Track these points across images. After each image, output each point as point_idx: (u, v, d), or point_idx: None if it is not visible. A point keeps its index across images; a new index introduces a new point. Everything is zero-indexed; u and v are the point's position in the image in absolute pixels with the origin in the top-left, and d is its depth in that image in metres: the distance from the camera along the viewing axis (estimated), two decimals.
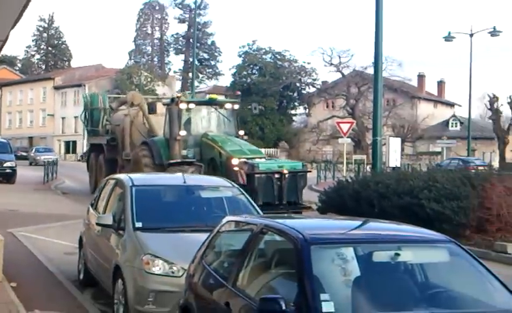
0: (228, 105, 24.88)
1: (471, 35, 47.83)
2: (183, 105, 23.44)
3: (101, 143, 30.34)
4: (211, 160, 22.27)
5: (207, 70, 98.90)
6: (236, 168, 20.33)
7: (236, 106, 25.22)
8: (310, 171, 22.68)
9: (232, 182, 11.93)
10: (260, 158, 21.70)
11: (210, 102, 25.11)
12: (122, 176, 11.80)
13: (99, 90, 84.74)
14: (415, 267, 6.22)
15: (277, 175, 19.95)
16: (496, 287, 5.97)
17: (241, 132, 24.65)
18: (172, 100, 24.16)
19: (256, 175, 19.79)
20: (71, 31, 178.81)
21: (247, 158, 20.77)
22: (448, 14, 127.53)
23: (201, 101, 26.03)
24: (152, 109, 25.93)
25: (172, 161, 22.22)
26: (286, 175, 20.02)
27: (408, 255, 6.22)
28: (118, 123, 29.05)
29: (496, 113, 49.07)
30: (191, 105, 23.89)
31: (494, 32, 46.41)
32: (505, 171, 28.79)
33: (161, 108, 26.74)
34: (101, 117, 31.18)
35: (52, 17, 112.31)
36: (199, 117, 24.39)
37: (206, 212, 10.36)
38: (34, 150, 69.39)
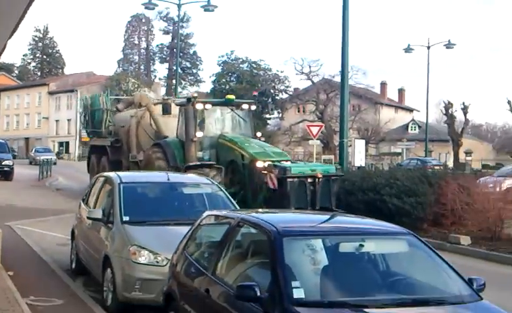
0: (244, 106, 21.59)
1: (429, 47, 48.19)
2: (199, 106, 20.25)
3: (104, 145, 26.90)
4: (230, 163, 19.28)
5: (189, 77, 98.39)
6: (264, 171, 17.49)
7: (253, 107, 21.90)
8: (343, 175, 19.30)
9: (212, 180, 11.90)
10: (286, 160, 18.61)
11: (227, 103, 21.66)
12: (111, 174, 11.72)
13: (80, 98, 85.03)
14: (378, 257, 6.25)
15: (309, 179, 17.04)
16: (450, 275, 6.02)
17: (259, 134, 21.67)
18: (188, 100, 20.71)
19: (289, 179, 16.82)
20: (65, 41, 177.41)
21: (272, 161, 17.82)
22: (408, 27, 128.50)
23: (218, 101, 22.52)
24: (166, 110, 22.09)
25: (191, 164, 19.13)
26: (320, 179, 17.12)
27: (371, 246, 6.26)
28: (122, 124, 25.85)
29: (450, 118, 49.55)
30: (208, 106, 20.66)
31: (449, 45, 46.85)
32: (459, 170, 29.06)
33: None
34: (104, 118, 27.75)
35: (47, 28, 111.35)
36: (213, 118, 21.12)
37: (188, 207, 10.32)
38: (33, 150, 67.47)
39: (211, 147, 20.24)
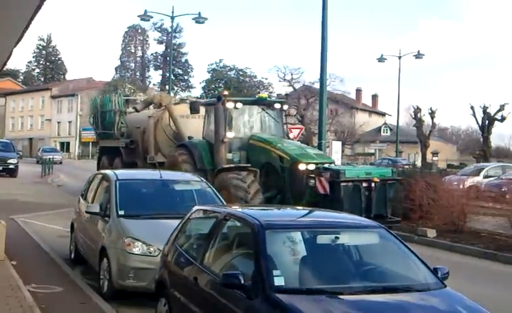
0: (277, 105, 18.29)
1: (400, 57, 48.35)
2: (230, 104, 17.13)
3: (117, 146, 23.99)
4: (266, 165, 16.48)
5: (181, 84, 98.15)
6: (311, 175, 15.02)
7: (285, 106, 18.62)
8: (400, 180, 16.97)
9: (201, 178, 11.83)
10: (329, 162, 15.94)
11: (258, 101, 18.41)
12: (108, 171, 11.67)
13: (89, 100, 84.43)
14: (352, 248, 6.27)
15: (365, 184, 14.48)
16: (417, 265, 6.05)
17: (292, 135, 18.90)
18: (219, 98, 17.52)
19: (343, 184, 14.23)
20: (67, 49, 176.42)
21: (316, 163, 15.35)
22: (382, 39, 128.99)
23: (249, 100, 19.08)
24: (194, 109, 18.65)
25: (225, 166, 16.36)
26: (376, 184, 14.58)
27: (345, 238, 6.27)
28: (138, 125, 22.90)
29: (419, 122, 49.71)
30: (238, 105, 17.42)
31: (418, 56, 47.03)
32: (426, 169, 29.19)
33: (185, 110, 20.75)
34: (117, 120, 24.59)
35: (50, 37, 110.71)
36: (242, 118, 17.97)
37: (179, 202, 10.27)
38: (41, 150, 65.75)
39: (241, 148, 17.33)
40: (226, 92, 18.47)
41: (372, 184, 14.46)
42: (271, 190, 15.96)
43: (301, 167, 15.22)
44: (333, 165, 16.03)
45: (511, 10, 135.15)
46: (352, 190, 14.36)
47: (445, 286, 5.78)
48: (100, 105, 26.43)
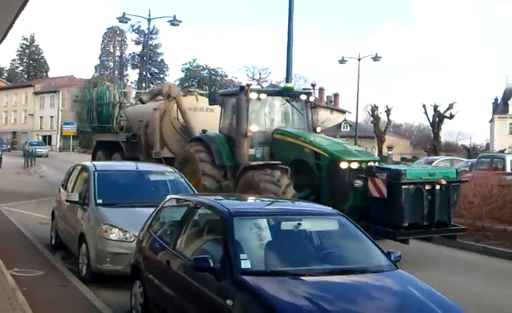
0: (303, 97, 15.25)
1: (359, 59, 48.59)
2: (253, 95, 14.32)
3: (116, 141, 20.82)
4: (296, 162, 13.49)
5: (157, 82, 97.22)
6: (360, 174, 12.22)
7: (312, 98, 15.60)
8: (467, 181, 14.51)
9: (174, 169, 11.75)
10: (374, 161, 13.20)
11: (284, 92, 15.55)
12: (87, 163, 11.48)
13: (71, 97, 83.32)
14: (313, 234, 6.29)
15: (428, 186, 11.46)
16: (372, 249, 6.11)
17: (319, 129, 15.64)
18: (241, 88, 14.64)
19: (404, 186, 11.17)
20: (49, 48, 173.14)
21: (359, 162, 12.53)
22: (343, 41, 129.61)
23: (274, 91, 16.11)
24: (213, 100, 16.04)
25: (253, 163, 13.54)
26: (441, 187, 11.53)
27: (307, 225, 6.31)
28: (140, 118, 19.74)
29: (376, 119, 50.28)
30: (262, 96, 14.62)
31: (376, 58, 47.36)
32: (382, 162, 29.45)
33: (193, 102, 18.71)
34: (116, 112, 21.30)
35: (33, 37, 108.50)
36: (263, 110, 14.94)
37: (153, 192, 10.17)
38: (27, 143, 62.47)
39: (263, 143, 14.50)
40: (250, 82, 15.21)
41: (437, 187, 11.45)
42: (303, 190, 13.10)
43: (343, 165, 12.43)
44: (386, 164, 13.32)
45: (458, 18, 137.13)
46: (413, 193, 11.36)
47: (397, 268, 5.86)
48: (96, 98, 23.25)
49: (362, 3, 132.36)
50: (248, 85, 14.59)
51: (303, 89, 15.11)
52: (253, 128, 14.11)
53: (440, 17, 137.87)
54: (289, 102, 15.19)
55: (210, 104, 16.75)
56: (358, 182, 12.03)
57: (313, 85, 16.05)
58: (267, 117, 14.93)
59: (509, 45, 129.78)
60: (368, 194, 11.67)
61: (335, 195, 12.42)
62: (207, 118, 17.40)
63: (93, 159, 23.30)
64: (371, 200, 11.67)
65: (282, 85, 18.07)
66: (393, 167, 12.91)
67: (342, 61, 48.05)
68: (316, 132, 15.13)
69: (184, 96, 19.28)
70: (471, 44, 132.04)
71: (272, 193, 12.00)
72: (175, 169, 11.98)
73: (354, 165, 12.44)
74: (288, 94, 15.35)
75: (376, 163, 12.82)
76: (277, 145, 14.23)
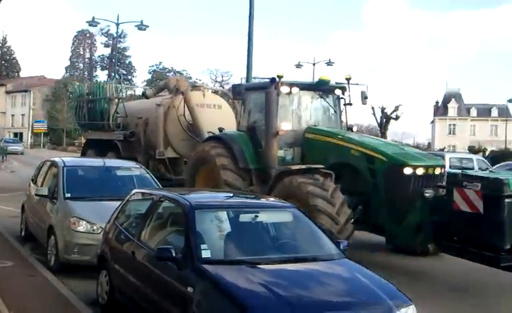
0: (337, 91, 12.41)
1: (314, 64, 48.96)
2: (284, 89, 11.53)
3: (111, 139, 17.57)
4: (338, 166, 10.74)
5: (125, 82, 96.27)
6: (440, 183, 9.79)
7: (347, 94, 12.47)
8: None
9: (140, 164, 11.60)
10: (441, 167, 10.49)
11: (318, 86, 12.25)
12: (56, 159, 11.21)
13: (42, 96, 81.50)
14: (269, 225, 6.32)
15: None
16: (323, 239, 6.17)
17: (355, 128, 12.99)
18: (272, 80, 11.50)
19: (507, 200, 8.30)
20: (21, 49, 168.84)
21: (425, 167, 10.05)
22: (300, 47, 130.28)
23: (307, 84, 12.69)
24: (238, 94, 12.89)
25: (294, 167, 10.75)
26: None
27: (264, 217, 6.34)
28: (139, 115, 16.76)
29: None
30: (295, 90, 11.77)
31: (329, 63, 47.82)
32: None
33: (200, 98, 16.04)
34: (113, 109, 17.95)
35: (5, 38, 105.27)
36: (291, 105, 12.05)
37: (120, 186, 9.97)
38: (2, 140, 58.63)
39: (293, 143, 11.85)
40: (281, 74, 11.73)
41: None
42: (351, 198, 10.43)
43: (407, 171, 9.89)
44: (478, 171, 10.59)
45: (406, 28, 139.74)
46: None
47: (346, 256, 5.92)
48: (88, 93, 19.89)
49: (319, 10, 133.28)
50: (279, 77, 11.55)
51: (336, 83, 12.39)
52: (285, 126, 11.54)
53: (389, 26, 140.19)
54: (322, 97, 12.38)
55: (233, 99, 14.45)
56: (429, 193, 9.53)
57: (348, 79, 12.33)
58: (295, 113, 12.13)
59: (450, 54, 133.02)
60: (454, 208, 8.74)
61: (395, 205, 10.02)
62: (215, 115, 15.34)
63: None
64: (455, 215, 8.80)
65: None
66: (488, 175, 9.75)
67: (298, 65, 48.28)
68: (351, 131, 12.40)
69: (193, 90, 16.38)
70: (417, 52, 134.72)
71: (320, 203, 9.71)
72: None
73: (420, 171, 9.94)
74: (322, 88, 12.33)
75: (442, 170, 10.31)
76: (310, 146, 11.61)
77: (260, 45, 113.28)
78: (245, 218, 6.25)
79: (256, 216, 6.26)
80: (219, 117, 15.03)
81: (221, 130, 13.31)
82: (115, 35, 60.08)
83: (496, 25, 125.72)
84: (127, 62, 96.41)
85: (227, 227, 6.11)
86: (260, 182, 11.57)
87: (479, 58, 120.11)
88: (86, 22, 36.13)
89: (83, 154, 20.34)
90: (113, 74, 71.27)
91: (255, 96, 12.39)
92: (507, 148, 51.12)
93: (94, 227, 8.52)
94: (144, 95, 17.55)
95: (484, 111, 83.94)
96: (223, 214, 6.26)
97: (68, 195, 9.28)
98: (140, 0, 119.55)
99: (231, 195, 8.00)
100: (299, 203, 8.88)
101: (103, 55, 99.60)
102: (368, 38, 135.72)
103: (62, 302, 7.10)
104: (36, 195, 10.33)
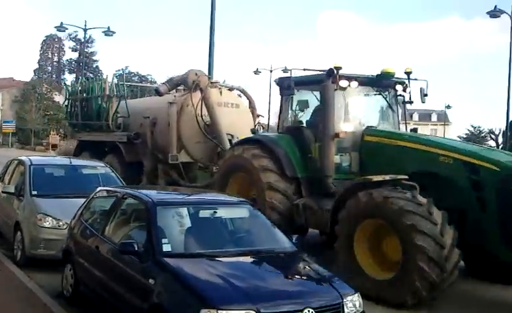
0: (398, 87, 9.83)
1: (271, 71, 49.29)
2: (343, 83, 9.04)
3: (112, 141, 14.84)
4: (418, 176, 7.95)
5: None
6: None
7: (408, 90, 9.95)
8: None
9: (105, 163, 11.38)
10: None
11: (380, 80, 9.59)
12: (23, 158, 10.85)
13: (11, 97, 78.89)
14: (227, 220, 6.30)
15: None
16: (277, 234, 6.20)
17: (419, 129, 11.32)
18: (330, 72, 9.05)
19: None
20: None
21: None
22: (257, 54, 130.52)
23: (367, 78, 9.62)
24: (288, 88, 9.75)
25: (377, 179, 7.85)
26: None
27: (222, 213, 6.32)
28: (145, 114, 13.96)
29: None
30: (353, 84, 9.21)
31: (285, 70, 48.05)
32: None
33: (217, 96, 13.15)
34: (113, 108, 14.90)
35: None
36: (345, 103, 9.58)
37: (85, 184, 9.72)
38: None
39: (348, 147, 9.40)
40: (339, 65, 9.16)
41: None
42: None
43: None
44: None
45: (356, 35, 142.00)
46: None
47: (298, 249, 5.95)
48: (82, 91, 16.89)
49: (278, 16, 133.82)
50: (337, 68, 9.04)
51: (396, 78, 9.79)
52: (346, 127, 9.23)
53: (341, 34, 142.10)
54: (380, 94, 9.88)
55: (284, 95, 10.23)
56: None
57: (408, 73, 9.84)
58: (349, 112, 9.64)
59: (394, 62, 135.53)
60: None
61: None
62: (232, 115, 12.94)
63: None
64: None
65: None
66: None
67: (256, 72, 48.47)
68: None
69: (212, 87, 13.45)
70: (363, 59, 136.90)
71: (418, 217, 7.18)
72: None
73: None
74: (381, 83, 9.74)
75: None
76: (370, 151, 9.18)
77: (221, 50, 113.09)
78: (204, 213, 6.22)
79: (215, 212, 6.24)
80: (236, 117, 12.82)
81: (254, 131, 11.61)
82: (83, 40, 58.88)
83: (434, 37, 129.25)
84: (94, 66, 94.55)
85: (187, 222, 6.05)
86: (312, 193, 9.20)
87: (421, 68, 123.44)
88: (55, 27, 35.32)
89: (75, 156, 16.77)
90: (80, 78, 69.98)
91: (306, 91, 10.01)
92: None
93: (60, 223, 8.30)
94: (157, 92, 13.98)
95: (425, 116, 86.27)
96: (184, 210, 6.19)
97: (35, 192, 9.00)
98: (107, 6, 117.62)
99: (190, 192, 7.97)
100: (385, 221, 7.43)
101: (71, 58, 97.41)
102: (321, 44, 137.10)
103: (28, 295, 6.92)
104: (3, 192, 10.02)
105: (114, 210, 6.57)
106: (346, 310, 4.93)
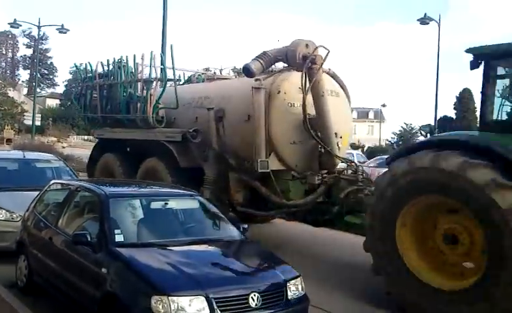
0: None
1: (221, 71, 49.00)
2: None
3: (155, 140, 10.39)
4: None
5: (47, 82, 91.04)
6: None
7: None
8: None
9: (59, 156, 10.99)
10: None
11: None
12: None
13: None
14: (178, 211, 6.24)
15: None
16: (226, 223, 6.22)
17: None
18: None
19: None
20: None
21: None
22: (207, 53, 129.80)
23: None
24: (503, 55, 5.78)
25: None
26: None
27: (173, 204, 6.26)
28: (208, 105, 9.73)
29: None
30: None
31: (234, 69, 48.01)
32: None
33: (316, 86, 8.61)
34: (154, 97, 10.58)
35: None
36: None
37: (39, 177, 9.40)
38: None
39: None
40: None
41: None
42: None
43: None
44: None
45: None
46: None
47: (246, 237, 6.00)
48: (102, 75, 12.10)
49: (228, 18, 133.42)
50: None
51: None
52: None
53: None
54: None
55: (471, 69, 6.37)
56: None
57: None
58: None
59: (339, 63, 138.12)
60: None
61: None
62: (331, 106, 8.88)
63: (94, 164, 12.40)
64: None
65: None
66: None
67: (207, 69, 48.01)
68: None
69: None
70: None
71: None
72: (58, 156, 10.51)
73: None
74: None
75: None
76: None
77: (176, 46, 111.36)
78: (156, 205, 6.14)
79: (166, 204, 6.18)
80: (335, 110, 8.97)
81: (431, 129, 7.09)
82: (37, 37, 56.57)
83: (368, 41, 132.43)
84: (49, 62, 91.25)
85: (139, 214, 5.96)
86: None
87: (360, 68, 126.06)
88: (8, 24, 33.79)
89: (93, 163, 12.47)
90: (34, 74, 67.37)
91: None
92: (381, 145, 54.32)
93: (14, 215, 7.98)
94: (247, 71, 8.82)
95: (363, 114, 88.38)
96: (136, 202, 6.10)
97: None
98: (62, 3, 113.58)
99: (144, 184, 7.84)
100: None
101: (25, 55, 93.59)
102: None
103: None
104: None
105: (68, 202, 6.39)
106: (289, 292, 5.00)
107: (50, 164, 10.15)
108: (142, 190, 6.95)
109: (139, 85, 11.01)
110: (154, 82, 10.66)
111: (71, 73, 78.43)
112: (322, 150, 8.78)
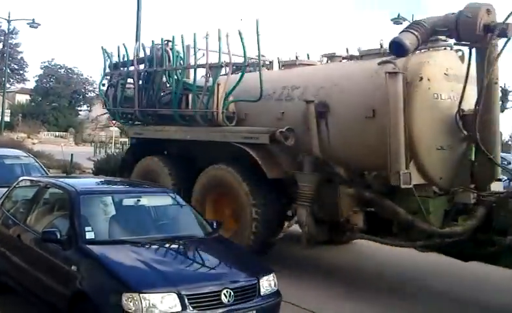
0: None
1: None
2: None
3: (226, 142, 7.96)
4: None
5: (17, 77, 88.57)
6: None
7: None
8: None
9: (28, 153, 10.72)
10: None
11: None
12: None
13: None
14: (150, 208, 6.14)
15: None
16: (199, 220, 6.16)
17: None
18: None
19: None
20: None
21: None
22: None
23: None
24: None
25: None
26: None
27: (145, 201, 6.15)
28: (303, 97, 7.22)
29: None
30: None
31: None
32: None
33: (453, 63, 6.72)
34: (223, 88, 8.14)
35: None
36: None
37: (8, 174, 9.12)
38: None
39: None
40: None
41: None
42: None
43: None
44: None
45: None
46: None
47: (218, 234, 5.95)
48: (142, 61, 9.87)
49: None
50: None
51: None
52: None
53: None
54: None
55: None
56: None
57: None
58: None
59: None
60: None
61: None
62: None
63: (128, 171, 10.21)
64: None
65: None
66: None
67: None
68: None
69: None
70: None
71: None
72: (28, 153, 10.34)
73: None
74: None
75: None
76: None
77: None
78: (128, 202, 6.02)
79: (139, 200, 6.06)
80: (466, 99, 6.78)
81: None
82: (6, 31, 55.04)
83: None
84: (19, 57, 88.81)
85: (111, 210, 5.84)
86: None
87: None
88: None
89: (128, 169, 10.25)
90: (4, 68, 65.59)
91: None
92: None
93: None
94: (398, 47, 6.23)
95: None
96: (108, 199, 5.97)
97: None
98: None
99: (116, 181, 7.71)
100: None
101: None
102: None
103: None
104: None
105: (37, 199, 6.21)
106: (262, 289, 4.98)
107: (19, 161, 9.89)
108: (114, 186, 6.82)
109: (199, 72, 8.63)
110: (226, 68, 8.24)
111: (42, 68, 76.85)
112: (473, 158, 6.55)
